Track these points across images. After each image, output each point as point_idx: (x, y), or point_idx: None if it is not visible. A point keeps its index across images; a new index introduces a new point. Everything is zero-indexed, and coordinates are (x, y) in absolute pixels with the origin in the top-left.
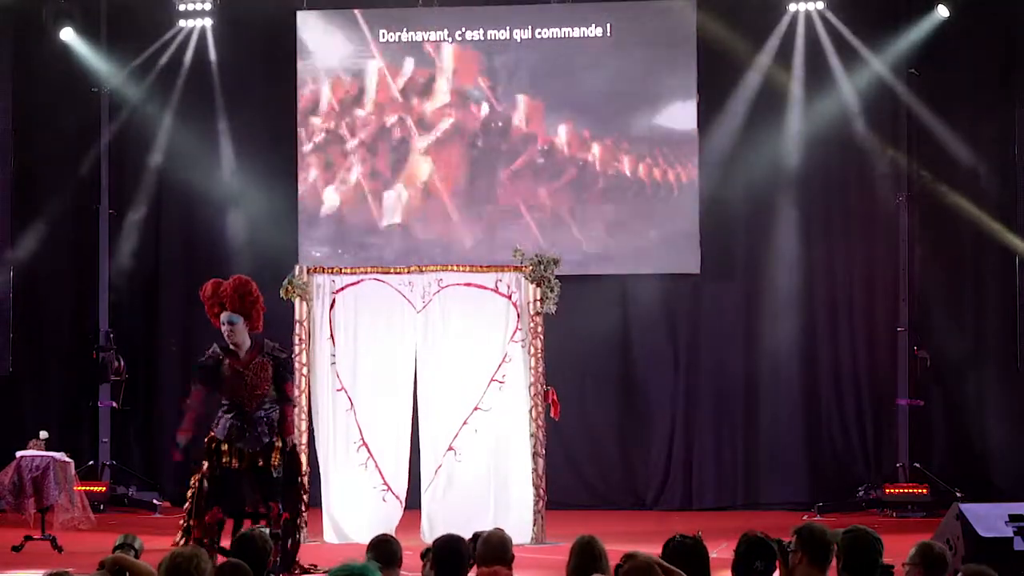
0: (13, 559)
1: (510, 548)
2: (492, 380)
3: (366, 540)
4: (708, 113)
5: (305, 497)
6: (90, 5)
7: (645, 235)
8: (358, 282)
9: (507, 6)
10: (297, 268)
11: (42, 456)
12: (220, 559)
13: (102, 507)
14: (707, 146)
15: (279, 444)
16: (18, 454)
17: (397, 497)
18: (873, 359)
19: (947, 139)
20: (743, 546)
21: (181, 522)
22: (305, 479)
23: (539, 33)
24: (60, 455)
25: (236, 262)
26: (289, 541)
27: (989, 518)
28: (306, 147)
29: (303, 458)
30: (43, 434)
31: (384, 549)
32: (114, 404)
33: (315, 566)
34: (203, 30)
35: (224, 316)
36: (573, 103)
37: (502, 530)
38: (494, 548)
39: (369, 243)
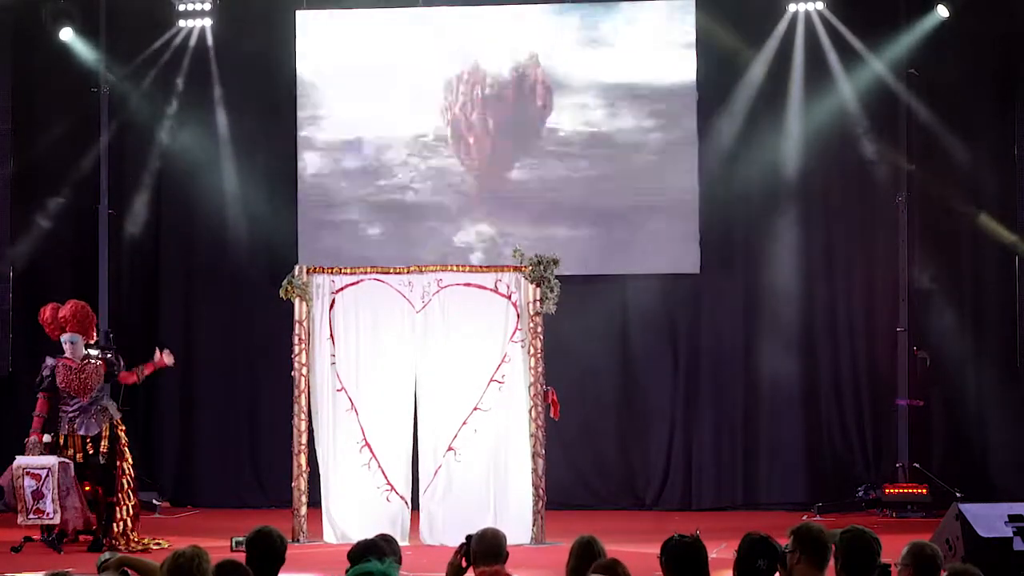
0: (13, 559)
1: (504, 545)
2: (492, 380)
3: None
4: (708, 113)
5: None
6: (90, 5)
7: (645, 235)
8: (358, 282)
9: (506, 6)
10: (297, 268)
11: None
12: None
13: None
14: (707, 146)
15: (106, 435)
16: (17, 455)
17: (402, 497)
18: (873, 359)
19: (947, 139)
20: (746, 545)
21: None
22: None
23: None
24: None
25: (236, 262)
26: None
27: (989, 518)
28: (306, 147)
29: (302, 459)
30: (44, 436)
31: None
32: None
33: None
34: (203, 30)
35: (66, 336)
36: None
37: (496, 528)
38: (488, 545)
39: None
